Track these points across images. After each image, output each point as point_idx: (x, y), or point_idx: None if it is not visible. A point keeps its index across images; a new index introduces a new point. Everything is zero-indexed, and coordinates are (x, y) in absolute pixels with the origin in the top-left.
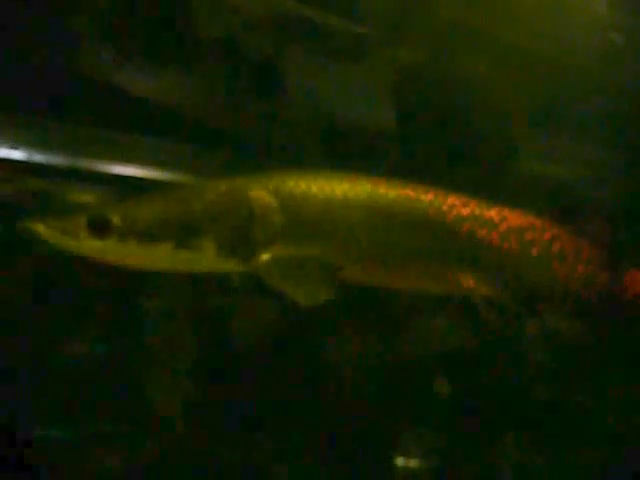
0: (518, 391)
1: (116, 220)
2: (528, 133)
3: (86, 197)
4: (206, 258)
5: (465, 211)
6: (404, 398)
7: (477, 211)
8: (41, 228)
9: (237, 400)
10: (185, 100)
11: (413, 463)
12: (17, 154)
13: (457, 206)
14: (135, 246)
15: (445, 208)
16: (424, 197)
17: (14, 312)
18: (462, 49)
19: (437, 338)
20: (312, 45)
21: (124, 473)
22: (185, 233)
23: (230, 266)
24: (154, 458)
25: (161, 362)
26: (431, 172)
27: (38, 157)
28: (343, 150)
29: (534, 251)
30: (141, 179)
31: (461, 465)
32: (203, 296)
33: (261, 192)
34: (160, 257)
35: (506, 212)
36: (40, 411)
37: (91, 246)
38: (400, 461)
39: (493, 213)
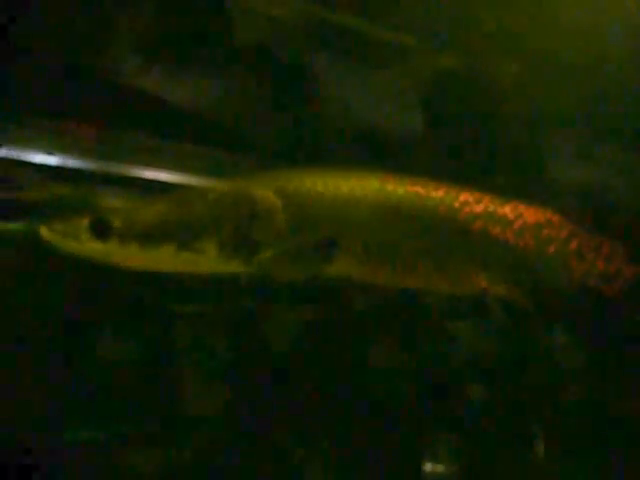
0: (548, 394)
1: (117, 222)
2: (563, 138)
3: (118, 202)
4: (208, 259)
5: (478, 208)
6: (435, 402)
7: (491, 208)
8: (45, 231)
9: (270, 403)
10: (216, 106)
11: (441, 468)
12: (52, 160)
13: (470, 203)
14: (136, 248)
15: (457, 205)
16: (435, 194)
17: (48, 315)
18: (497, 54)
19: (465, 342)
20: (344, 51)
21: (158, 476)
22: (186, 235)
23: (233, 267)
24: (188, 460)
25: (195, 365)
26: (465, 178)
27: (72, 163)
28: (375, 157)
29: (551, 249)
30: (172, 184)
31: (490, 471)
32: (238, 299)
33: (263, 191)
34: (162, 259)
35: (521, 208)
36: (73, 413)
37: (93, 248)
38: (428, 466)
39: (508, 210)
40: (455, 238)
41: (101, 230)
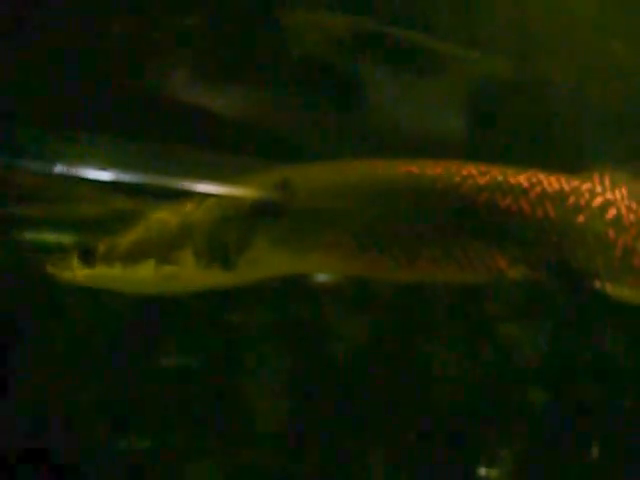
0: (607, 397)
1: (101, 248)
2: (612, 141)
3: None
4: (189, 271)
5: (483, 180)
6: (492, 406)
7: (499, 178)
8: (49, 267)
9: (332, 413)
10: (269, 119)
11: (495, 473)
12: (105, 175)
13: (473, 175)
14: (121, 269)
15: (458, 179)
16: (431, 171)
17: (104, 326)
18: (543, 58)
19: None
20: (394, 62)
21: None
22: (163, 248)
23: (217, 276)
24: (249, 473)
25: (257, 376)
26: None
27: (124, 177)
28: None
29: (579, 219)
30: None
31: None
32: (299, 308)
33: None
34: (147, 277)
35: (540, 177)
36: (131, 424)
37: (84, 275)
38: (482, 471)
39: (522, 179)
40: (459, 216)
41: (88, 258)
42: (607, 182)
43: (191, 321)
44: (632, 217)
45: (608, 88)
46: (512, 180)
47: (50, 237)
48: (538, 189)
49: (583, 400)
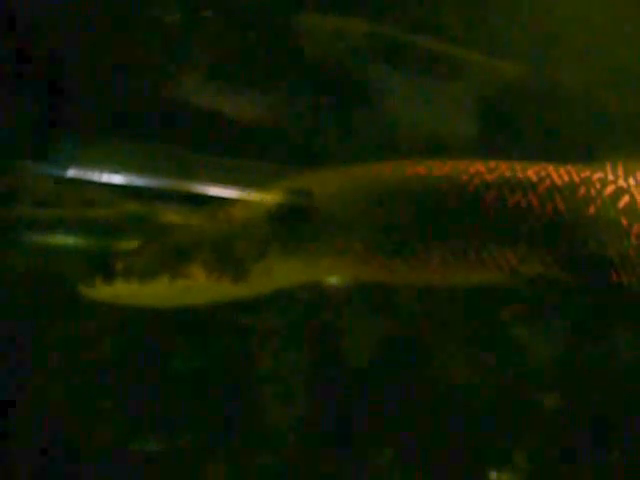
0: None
1: (119, 265)
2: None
3: (179, 218)
4: (201, 284)
5: (490, 177)
6: (504, 410)
7: (507, 174)
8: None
9: (347, 415)
10: (283, 123)
11: (506, 477)
12: (117, 178)
13: (481, 173)
14: (138, 285)
15: (465, 178)
16: (438, 172)
17: (119, 328)
18: (563, 62)
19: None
20: (410, 67)
21: None
22: (174, 263)
23: (230, 289)
24: (264, 474)
25: (272, 378)
26: None
27: (136, 180)
28: None
29: (591, 209)
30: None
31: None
32: (315, 313)
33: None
34: (162, 292)
35: (549, 170)
36: (145, 423)
37: (107, 292)
38: (493, 475)
39: (530, 173)
40: (468, 216)
41: (108, 275)
42: (620, 170)
43: (207, 322)
44: None
45: (625, 94)
46: (520, 175)
47: (64, 240)
48: (547, 182)
49: (597, 404)
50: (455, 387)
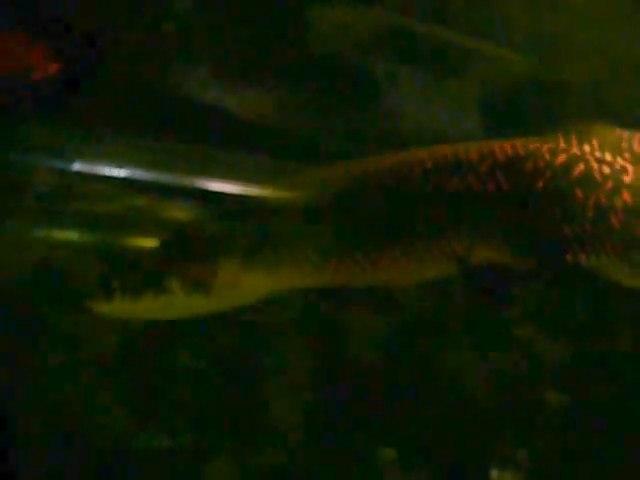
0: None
1: (115, 283)
2: None
3: (182, 214)
4: (179, 299)
5: (430, 164)
6: (508, 408)
7: (448, 158)
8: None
9: (351, 413)
10: (290, 117)
11: (508, 476)
12: (122, 172)
13: (422, 161)
14: (130, 302)
15: (406, 169)
16: (382, 166)
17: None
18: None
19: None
20: (418, 59)
21: None
22: (155, 279)
23: (202, 302)
24: (267, 472)
25: (276, 376)
26: None
27: (141, 175)
28: None
29: (539, 183)
30: (238, 196)
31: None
32: (321, 310)
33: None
34: (151, 307)
35: (493, 146)
36: (147, 422)
37: (109, 309)
38: (495, 474)
39: (472, 153)
40: (412, 208)
41: (106, 292)
42: (573, 137)
43: (210, 320)
44: (606, 170)
45: (636, 88)
46: (462, 157)
47: (68, 235)
48: (489, 161)
49: (602, 402)
50: (457, 386)
